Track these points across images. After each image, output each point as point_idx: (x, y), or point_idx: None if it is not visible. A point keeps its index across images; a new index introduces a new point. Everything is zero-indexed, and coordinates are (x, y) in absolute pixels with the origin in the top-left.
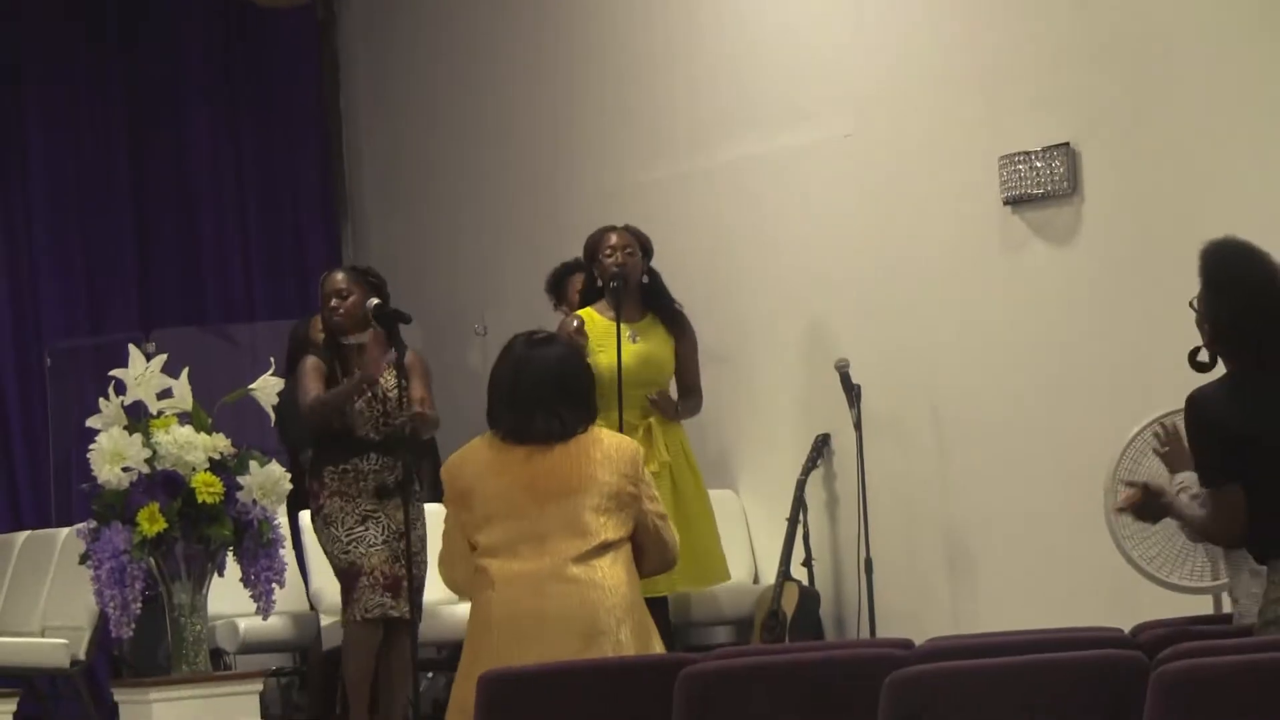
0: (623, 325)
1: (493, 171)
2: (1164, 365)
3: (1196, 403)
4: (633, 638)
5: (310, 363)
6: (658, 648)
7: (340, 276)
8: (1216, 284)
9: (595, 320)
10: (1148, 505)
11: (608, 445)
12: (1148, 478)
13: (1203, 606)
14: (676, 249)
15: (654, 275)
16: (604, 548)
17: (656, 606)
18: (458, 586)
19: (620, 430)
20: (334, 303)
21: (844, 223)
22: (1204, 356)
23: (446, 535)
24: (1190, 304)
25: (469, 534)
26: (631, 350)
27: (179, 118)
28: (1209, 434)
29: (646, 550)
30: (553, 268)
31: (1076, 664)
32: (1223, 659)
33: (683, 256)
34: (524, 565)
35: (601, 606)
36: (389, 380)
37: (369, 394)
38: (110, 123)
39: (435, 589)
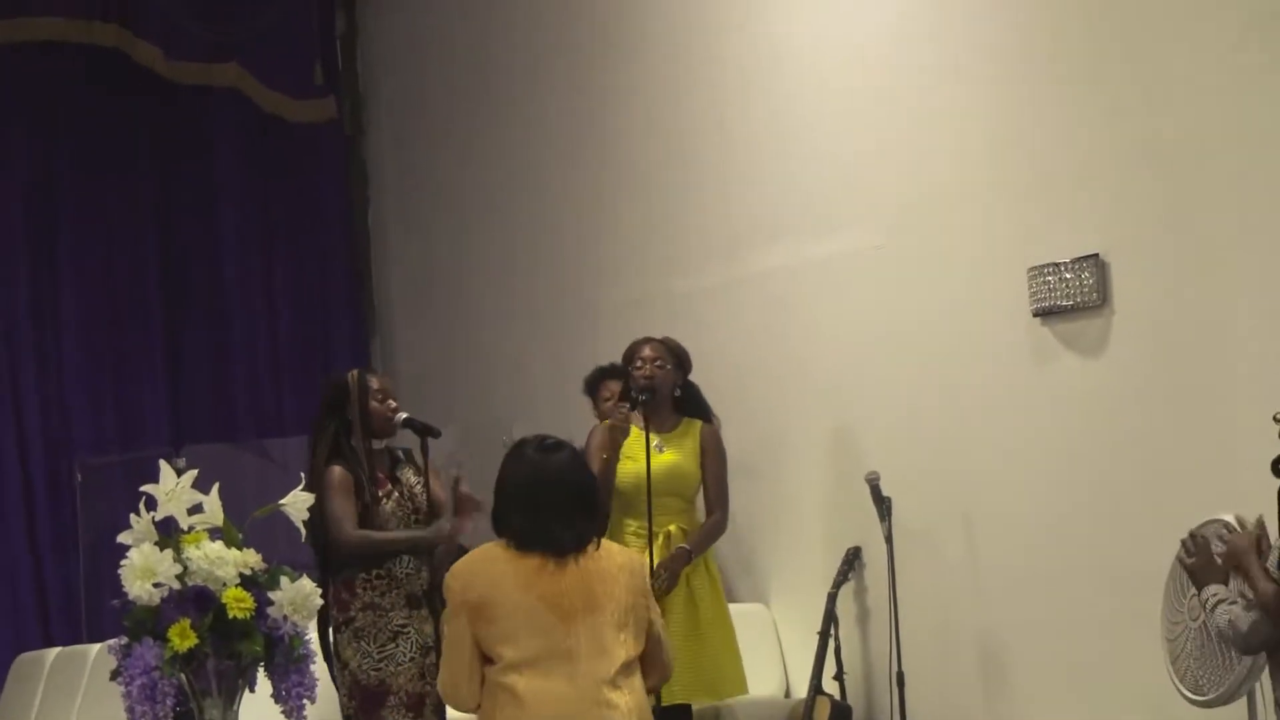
0: (651, 435)
1: (522, 282)
2: (1196, 476)
3: None
4: None
5: (338, 476)
6: None
7: (380, 378)
8: None
9: (628, 429)
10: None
11: (620, 559)
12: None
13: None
14: (707, 359)
15: (689, 387)
16: (627, 666)
17: (679, 715)
18: (462, 700)
19: (649, 538)
20: (393, 403)
21: (874, 333)
22: None
23: (454, 646)
24: (1275, 418)
25: (488, 646)
26: (658, 460)
27: (209, 231)
28: None
29: (654, 662)
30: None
31: None
32: None
33: (713, 367)
34: (557, 686)
35: None
36: (411, 478)
37: (396, 494)
38: (141, 236)
39: None
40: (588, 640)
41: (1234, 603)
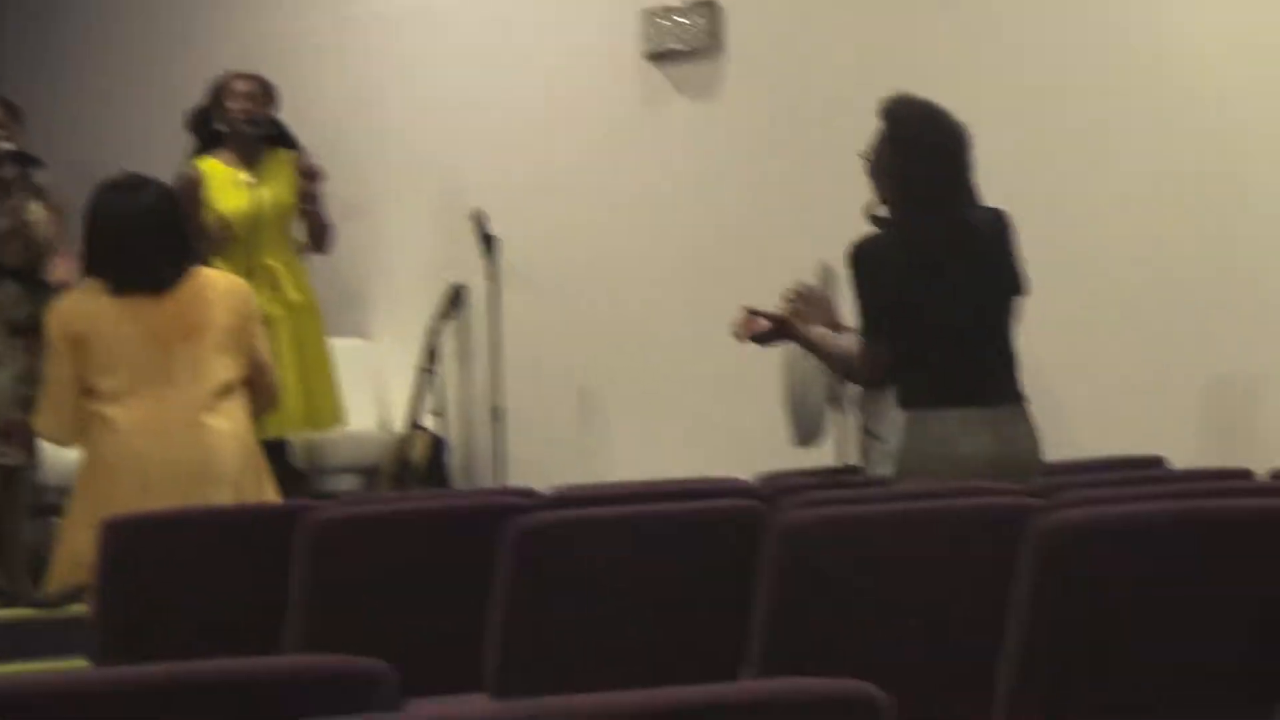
0: (247, 172)
1: (138, 24)
2: (805, 221)
3: (861, 253)
4: (254, 482)
5: None
6: (271, 493)
7: None
8: (900, 137)
9: (216, 170)
10: (775, 335)
11: (220, 285)
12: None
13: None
14: (313, 98)
15: (279, 124)
16: (226, 389)
17: (275, 450)
18: (63, 432)
19: (247, 274)
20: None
21: (483, 72)
22: (880, 211)
23: (55, 382)
24: (863, 155)
25: (88, 379)
26: (255, 195)
27: None
28: (866, 287)
29: (258, 389)
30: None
31: (699, 513)
32: (845, 508)
33: (319, 107)
34: (151, 412)
35: (228, 451)
36: (36, 210)
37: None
38: None
39: None
40: (186, 367)
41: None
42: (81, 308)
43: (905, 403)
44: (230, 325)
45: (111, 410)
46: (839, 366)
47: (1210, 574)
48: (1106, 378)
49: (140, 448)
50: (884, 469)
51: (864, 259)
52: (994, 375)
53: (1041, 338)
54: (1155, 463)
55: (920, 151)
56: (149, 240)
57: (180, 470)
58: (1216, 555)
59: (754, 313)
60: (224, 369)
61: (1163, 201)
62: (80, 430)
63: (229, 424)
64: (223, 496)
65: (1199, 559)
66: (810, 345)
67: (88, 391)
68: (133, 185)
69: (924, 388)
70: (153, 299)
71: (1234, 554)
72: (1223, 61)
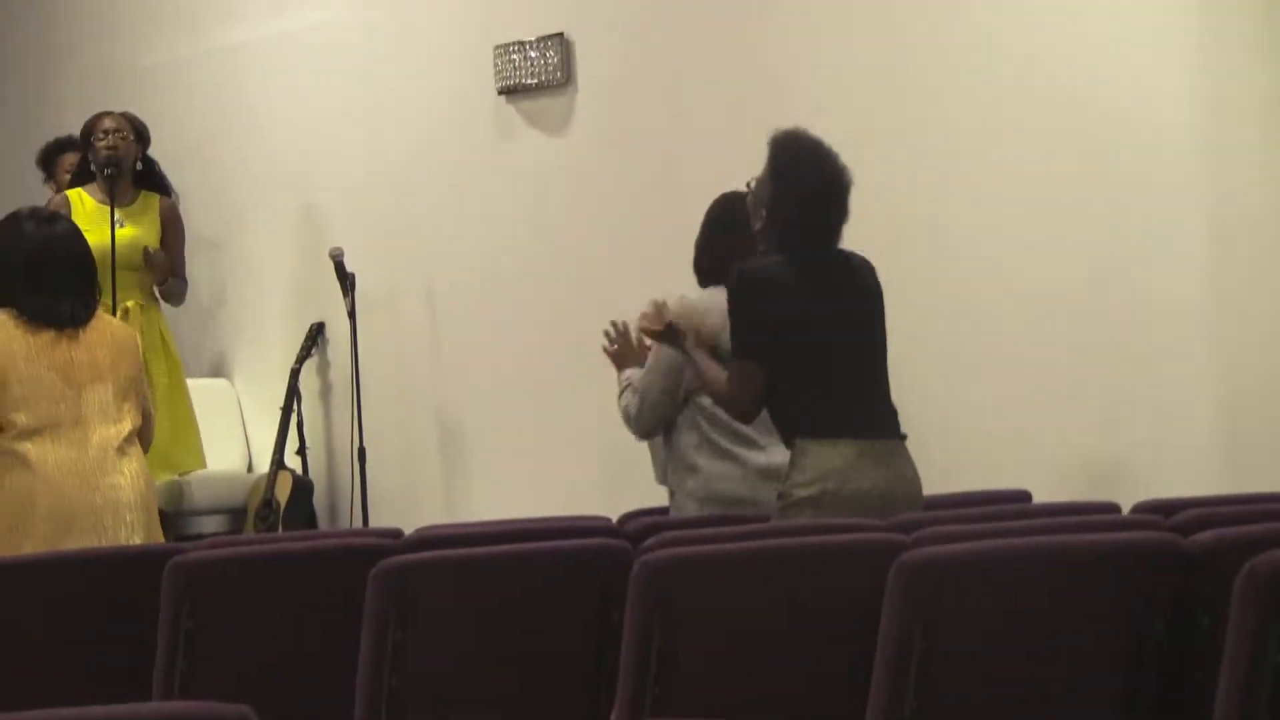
0: (115, 209)
1: None
2: (652, 249)
3: (746, 276)
4: (157, 525)
5: None
6: (161, 535)
7: None
8: (783, 173)
9: (85, 202)
10: (666, 335)
11: (120, 332)
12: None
13: None
14: (171, 133)
15: (149, 162)
16: (131, 434)
17: None
18: None
19: (113, 313)
20: None
21: (338, 110)
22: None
23: None
24: (747, 184)
25: (2, 413)
26: (119, 234)
27: None
28: (754, 309)
29: (143, 436)
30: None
31: (565, 553)
32: (706, 548)
33: (177, 141)
34: (67, 452)
35: (140, 494)
36: None
37: None
38: None
39: None
40: (97, 409)
41: (635, 391)
42: None
43: (792, 433)
44: (131, 374)
45: (25, 447)
46: (716, 393)
47: (1073, 608)
48: (975, 412)
49: (61, 487)
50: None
51: (752, 280)
52: (880, 410)
53: (912, 372)
54: (1023, 497)
55: (800, 189)
56: (66, 274)
57: (101, 512)
58: (1080, 589)
59: (656, 304)
60: (128, 414)
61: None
62: None
63: (138, 467)
64: (135, 539)
65: (1062, 593)
66: (690, 357)
67: (1, 428)
68: (46, 218)
69: (813, 418)
70: (64, 337)
71: (1097, 588)
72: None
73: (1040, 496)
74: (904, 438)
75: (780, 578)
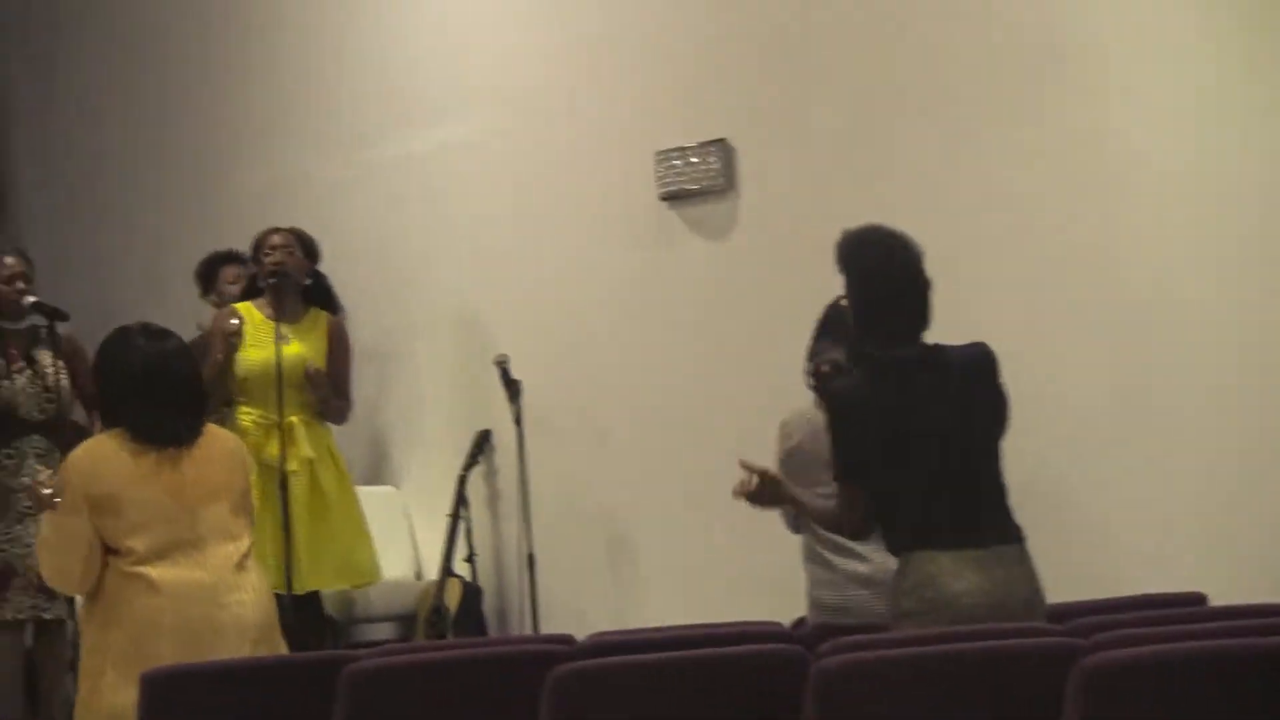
0: (279, 325)
1: (157, 168)
2: None
3: (834, 399)
4: (279, 640)
5: None
6: (283, 648)
7: (13, 260)
8: (846, 272)
9: (254, 316)
10: (764, 491)
11: (229, 444)
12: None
13: None
14: (337, 246)
15: (319, 276)
16: (249, 551)
17: (308, 600)
18: (74, 586)
19: (279, 428)
20: (20, 284)
21: (502, 219)
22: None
23: (71, 538)
24: (838, 300)
25: (114, 540)
26: (286, 350)
27: None
28: (846, 431)
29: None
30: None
31: (738, 659)
32: (881, 653)
33: (343, 254)
34: (190, 574)
35: (263, 612)
36: (46, 359)
37: (29, 372)
38: None
39: None
40: (213, 528)
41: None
42: (104, 464)
43: (894, 547)
44: (244, 487)
45: (148, 570)
46: (825, 521)
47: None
48: (1148, 508)
49: (186, 610)
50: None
51: (838, 402)
52: (984, 514)
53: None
54: (1196, 600)
55: (863, 286)
56: (177, 390)
57: (226, 631)
58: (1259, 693)
59: (745, 466)
60: (242, 530)
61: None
62: (88, 582)
63: (259, 581)
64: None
65: (1242, 697)
66: (796, 503)
67: (116, 552)
68: (157, 333)
69: (912, 531)
70: (174, 457)
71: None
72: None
73: (1216, 599)
74: (1018, 540)
75: (958, 682)
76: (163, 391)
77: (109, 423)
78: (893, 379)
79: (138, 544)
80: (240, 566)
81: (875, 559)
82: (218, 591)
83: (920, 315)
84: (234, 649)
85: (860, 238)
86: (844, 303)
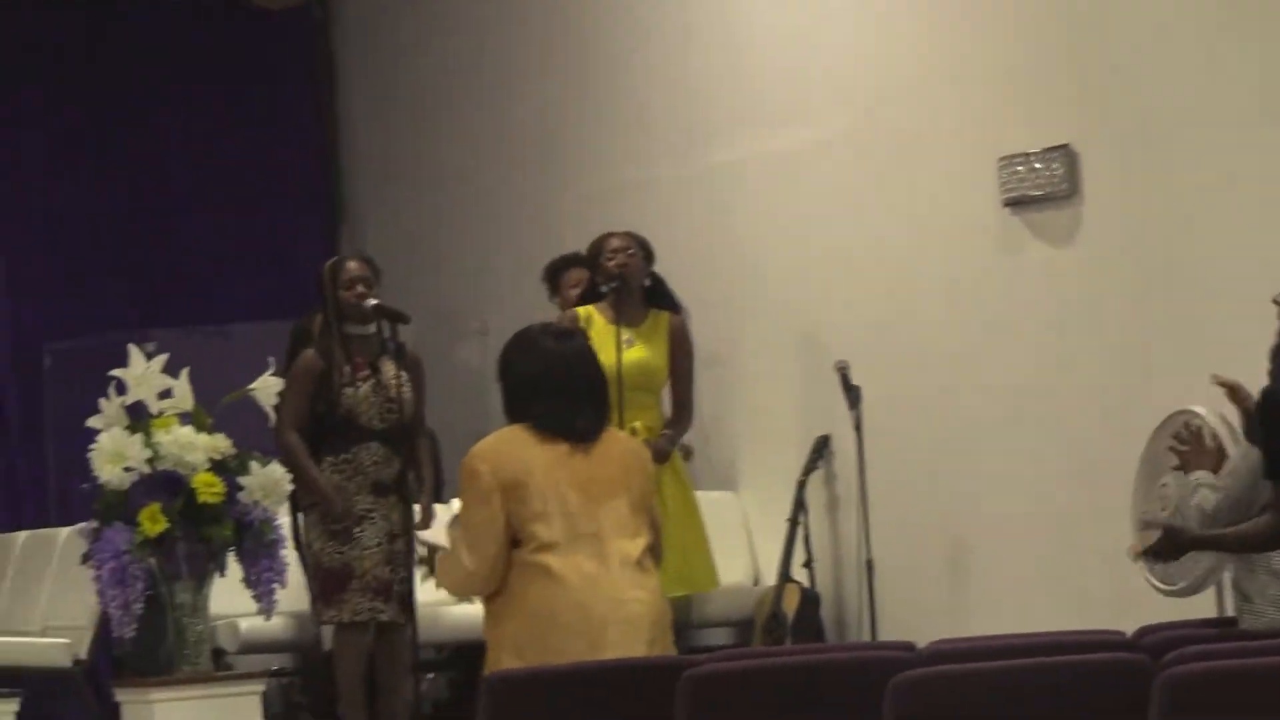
0: (621, 329)
1: (487, 172)
2: (1163, 365)
3: (1272, 398)
4: (671, 640)
5: (303, 364)
6: (674, 650)
7: (356, 265)
8: None
9: (595, 320)
10: (1167, 545)
11: (630, 445)
12: (1164, 506)
13: (1204, 609)
14: (672, 250)
15: (657, 279)
16: (647, 551)
17: None
18: (481, 585)
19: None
20: (360, 289)
21: (842, 223)
22: None
23: (483, 528)
24: (1275, 300)
25: (521, 526)
26: (627, 355)
27: (174, 119)
28: None
29: (654, 551)
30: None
31: (1081, 667)
32: (1228, 662)
33: (679, 258)
34: (588, 565)
35: (659, 610)
36: (390, 369)
37: (373, 381)
38: (104, 122)
39: (425, 590)
40: (614, 523)
41: (1217, 490)
42: (513, 452)
43: None
44: (645, 488)
45: (550, 561)
46: (1240, 545)
47: None
48: None
49: (587, 602)
50: (1251, 625)
51: (1276, 401)
52: None
53: None
54: None
55: None
56: (584, 387)
57: (623, 628)
58: None
59: (1146, 524)
60: (641, 528)
61: None
62: (495, 578)
63: (656, 583)
64: (652, 653)
65: None
66: (1204, 543)
67: (518, 543)
68: (561, 334)
69: None
70: (578, 450)
71: None
72: None
73: None
74: None
75: None
76: (567, 387)
77: (515, 420)
78: None
79: (542, 531)
80: (639, 565)
81: None
82: (618, 587)
83: None
84: (629, 646)
85: None
86: None
